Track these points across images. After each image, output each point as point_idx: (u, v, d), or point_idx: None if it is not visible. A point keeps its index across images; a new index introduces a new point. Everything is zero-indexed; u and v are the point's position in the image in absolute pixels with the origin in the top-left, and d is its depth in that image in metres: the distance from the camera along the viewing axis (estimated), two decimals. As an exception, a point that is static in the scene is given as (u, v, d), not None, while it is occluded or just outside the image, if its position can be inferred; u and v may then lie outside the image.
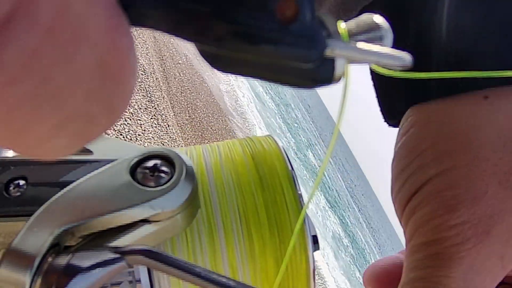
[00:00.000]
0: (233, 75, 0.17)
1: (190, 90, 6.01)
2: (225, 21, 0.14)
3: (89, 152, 0.31)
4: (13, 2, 0.10)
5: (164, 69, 5.39)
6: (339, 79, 0.18)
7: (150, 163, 0.28)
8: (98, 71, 0.12)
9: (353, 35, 0.18)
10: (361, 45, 0.17)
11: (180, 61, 6.20)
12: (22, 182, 0.29)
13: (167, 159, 0.29)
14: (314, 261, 0.33)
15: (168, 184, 0.27)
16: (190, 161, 0.29)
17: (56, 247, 0.24)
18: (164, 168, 0.28)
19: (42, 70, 0.11)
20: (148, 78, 4.31)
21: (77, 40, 0.11)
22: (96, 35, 0.12)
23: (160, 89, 4.62)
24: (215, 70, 0.16)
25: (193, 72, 6.57)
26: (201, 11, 0.14)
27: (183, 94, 5.65)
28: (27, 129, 0.12)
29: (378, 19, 0.18)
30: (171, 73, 5.59)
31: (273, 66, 0.16)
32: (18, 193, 0.28)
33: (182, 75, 6.00)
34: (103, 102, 0.13)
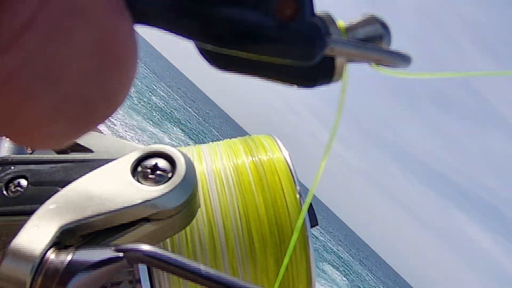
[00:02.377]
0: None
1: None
2: (224, 20, 0.14)
3: (89, 151, 0.31)
4: None
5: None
6: (339, 78, 0.18)
7: (151, 162, 0.28)
8: (97, 50, 0.12)
9: (353, 35, 0.18)
10: (361, 44, 0.17)
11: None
12: (22, 181, 0.29)
13: (168, 158, 0.29)
14: (314, 261, 0.33)
15: (169, 183, 0.27)
16: (191, 160, 0.29)
17: (57, 246, 0.24)
18: (164, 167, 0.28)
19: (37, 40, 0.11)
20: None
21: (73, 14, 0.11)
22: (94, 12, 0.12)
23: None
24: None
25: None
26: (201, 10, 0.14)
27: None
28: (25, 107, 0.12)
29: (378, 18, 0.18)
30: None
31: (273, 64, 0.16)
32: (19, 192, 0.28)
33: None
34: (102, 85, 0.13)
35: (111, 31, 0.12)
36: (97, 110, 0.14)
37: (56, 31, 0.11)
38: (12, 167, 0.29)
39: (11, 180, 0.29)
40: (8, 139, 0.39)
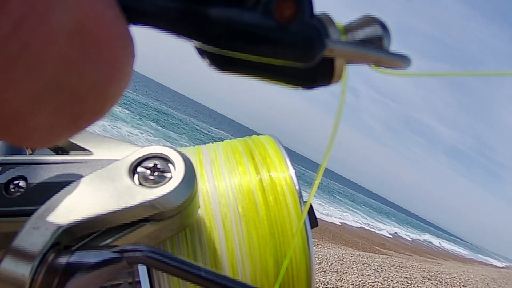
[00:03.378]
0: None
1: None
2: (224, 20, 0.14)
3: (89, 152, 0.31)
4: None
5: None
6: (338, 79, 0.18)
7: (150, 163, 0.28)
8: (76, 36, 0.12)
9: (352, 36, 0.18)
10: (360, 45, 0.17)
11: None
12: (22, 182, 0.29)
13: (167, 159, 0.29)
14: (314, 261, 0.33)
15: (168, 184, 0.27)
16: (190, 161, 0.29)
17: (57, 247, 0.24)
18: (164, 168, 0.28)
19: (9, 25, 0.10)
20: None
21: None
22: None
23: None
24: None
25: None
26: (200, 10, 0.14)
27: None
28: (2, 96, 0.11)
29: (377, 20, 0.18)
30: None
31: (272, 66, 0.16)
32: (18, 193, 0.28)
33: None
34: (85, 74, 0.12)
35: (92, 16, 0.12)
36: (85, 103, 0.13)
37: (30, 14, 0.11)
38: (12, 168, 0.29)
39: (11, 181, 0.29)
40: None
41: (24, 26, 0.11)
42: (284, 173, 0.34)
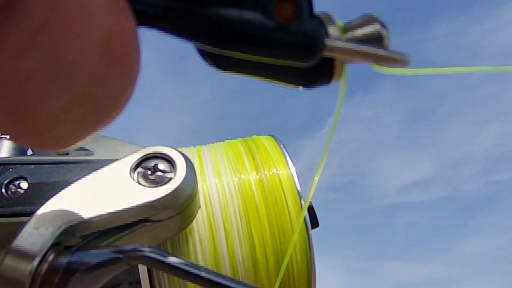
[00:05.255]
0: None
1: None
2: (223, 21, 0.14)
3: (89, 152, 0.31)
4: None
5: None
6: (338, 79, 0.18)
7: (151, 163, 0.28)
8: (105, 51, 0.12)
9: (352, 35, 0.18)
10: (360, 45, 0.17)
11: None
12: (22, 182, 0.29)
13: (168, 159, 0.29)
14: (315, 261, 0.33)
15: (169, 184, 0.27)
16: (191, 161, 0.29)
17: (57, 247, 0.24)
18: (164, 168, 0.28)
19: (50, 43, 0.11)
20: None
21: (83, 16, 0.12)
22: (102, 14, 0.12)
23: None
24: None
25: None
26: (199, 11, 0.14)
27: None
28: (36, 109, 0.12)
29: (377, 18, 0.18)
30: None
31: (272, 65, 0.16)
32: (19, 193, 0.28)
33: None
34: (109, 84, 0.13)
35: (118, 31, 0.13)
36: (106, 111, 0.14)
37: (67, 33, 0.11)
38: (12, 168, 0.29)
39: (11, 181, 0.29)
40: (11, 140, 0.39)
41: (63, 45, 0.11)
42: (284, 173, 0.34)
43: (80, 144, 0.15)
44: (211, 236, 0.31)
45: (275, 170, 0.34)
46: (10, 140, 0.39)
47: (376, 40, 0.17)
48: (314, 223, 0.35)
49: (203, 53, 0.16)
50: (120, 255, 0.24)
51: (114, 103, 0.14)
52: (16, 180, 0.29)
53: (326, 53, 0.16)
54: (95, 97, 0.13)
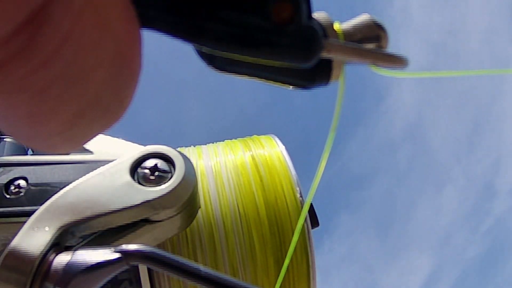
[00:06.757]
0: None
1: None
2: (222, 23, 0.14)
3: (89, 152, 0.31)
4: None
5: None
6: (336, 80, 0.18)
7: (150, 163, 0.28)
8: (117, 58, 0.13)
9: (350, 36, 0.18)
10: (358, 46, 0.17)
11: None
12: (22, 182, 0.29)
13: (167, 159, 0.29)
14: (315, 261, 0.33)
15: (168, 183, 0.27)
16: (190, 161, 0.29)
17: (57, 247, 0.24)
18: (164, 168, 0.28)
19: (71, 53, 0.11)
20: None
21: (102, 28, 0.12)
22: (118, 25, 0.12)
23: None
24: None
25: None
26: (198, 13, 0.14)
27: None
28: (53, 114, 0.13)
29: (375, 20, 0.18)
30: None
31: (270, 66, 0.16)
32: (19, 194, 0.28)
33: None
34: (118, 89, 0.14)
35: (129, 41, 0.13)
36: (114, 114, 0.14)
37: (88, 43, 0.12)
38: (12, 169, 0.29)
39: (11, 181, 0.29)
40: (14, 140, 0.39)
41: (83, 54, 0.12)
42: (284, 173, 0.34)
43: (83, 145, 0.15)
44: (211, 236, 0.31)
45: (275, 170, 0.34)
46: (12, 140, 0.39)
47: (374, 41, 0.18)
48: (314, 222, 0.35)
49: (201, 54, 0.16)
50: (120, 255, 0.24)
51: (121, 106, 0.14)
52: (16, 180, 0.29)
53: (324, 55, 0.16)
54: (105, 102, 0.14)
